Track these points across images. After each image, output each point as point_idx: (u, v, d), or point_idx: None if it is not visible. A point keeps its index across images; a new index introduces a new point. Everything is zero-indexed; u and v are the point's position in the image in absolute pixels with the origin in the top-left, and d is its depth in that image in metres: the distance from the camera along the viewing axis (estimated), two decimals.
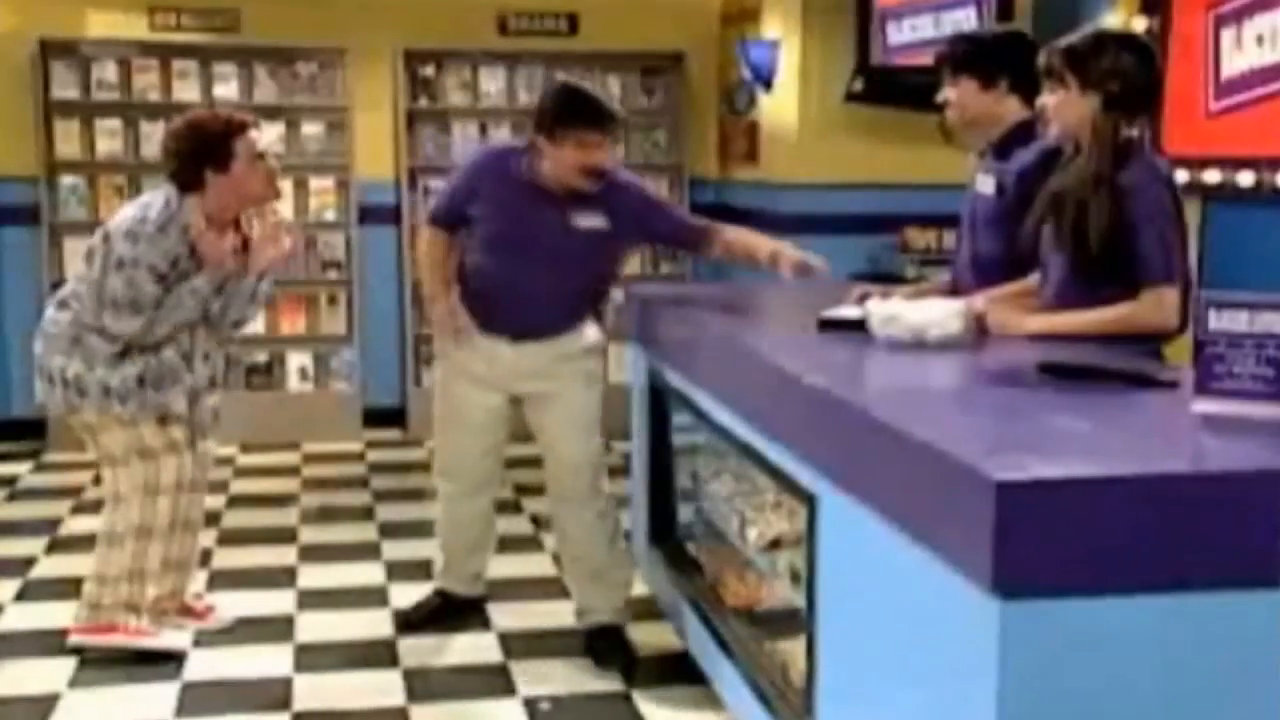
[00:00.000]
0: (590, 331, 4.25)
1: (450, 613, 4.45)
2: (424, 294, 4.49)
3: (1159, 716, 2.08)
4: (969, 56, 3.75)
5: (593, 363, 4.28)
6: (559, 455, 4.28)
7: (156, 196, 4.09)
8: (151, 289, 3.95)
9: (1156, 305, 3.18)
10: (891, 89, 6.15)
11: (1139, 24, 5.61)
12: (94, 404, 4.01)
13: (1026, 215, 3.62)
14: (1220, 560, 2.06)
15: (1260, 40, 4.77)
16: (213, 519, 5.58)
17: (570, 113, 3.91)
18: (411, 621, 4.40)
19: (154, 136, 6.97)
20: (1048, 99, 3.30)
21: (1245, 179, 4.58)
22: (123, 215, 4.07)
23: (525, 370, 4.16)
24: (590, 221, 4.02)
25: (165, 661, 4.05)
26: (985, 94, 3.71)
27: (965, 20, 5.87)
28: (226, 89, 7.06)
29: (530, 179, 4.04)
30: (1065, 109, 3.25)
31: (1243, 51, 4.67)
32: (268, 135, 4.23)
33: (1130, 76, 3.20)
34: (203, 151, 4.00)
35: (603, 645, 4.18)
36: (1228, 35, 4.66)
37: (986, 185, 3.79)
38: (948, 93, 3.79)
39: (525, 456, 6.76)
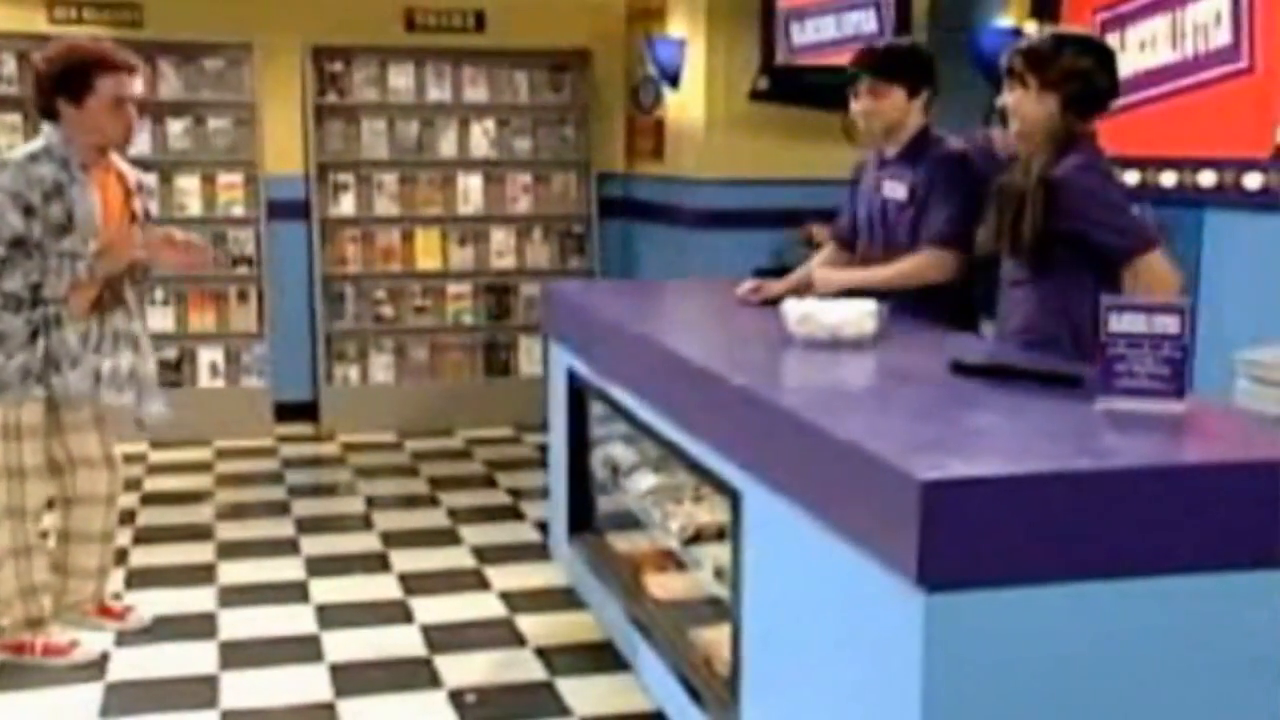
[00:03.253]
0: None
1: None
2: None
3: (1075, 699, 2.19)
4: (903, 67, 3.92)
5: None
6: None
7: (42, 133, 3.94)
8: (14, 220, 3.75)
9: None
10: (795, 88, 6.27)
11: (1030, 27, 5.78)
12: (13, 395, 3.85)
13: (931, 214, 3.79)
14: (1127, 551, 2.18)
15: (1143, 45, 4.96)
16: (127, 517, 5.52)
17: None
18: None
19: None
20: (1008, 98, 3.35)
21: (1131, 178, 4.75)
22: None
23: None
24: None
25: (91, 661, 4.02)
26: (910, 103, 3.90)
27: (865, 21, 5.99)
28: (131, 84, 6.92)
29: None
30: (1025, 108, 3.30)
31: (1126, 55, 4.84)
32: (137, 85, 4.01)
33: (1088, 77, 3.26)
34: (61, 80, 3.83)
35: None
36: (1112, 40, 4.82)
37: (897, 191, 3.92)
38: (871, 102, 3.91)
39: (439, 450, 6.83)
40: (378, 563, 5.03)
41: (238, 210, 7.08)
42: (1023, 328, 3.34)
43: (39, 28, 6.86)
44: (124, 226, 4.05)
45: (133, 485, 6.02)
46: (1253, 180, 4.51)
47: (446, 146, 7.41)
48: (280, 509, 5.76)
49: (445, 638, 4.28)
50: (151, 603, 4.46)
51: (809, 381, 3.08)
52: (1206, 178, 4.67)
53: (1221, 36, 4.77)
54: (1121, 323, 2.57)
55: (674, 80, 6.78)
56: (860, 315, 3.28)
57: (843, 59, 5.98)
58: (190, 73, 7.05)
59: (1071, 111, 3.25)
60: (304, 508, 5.77)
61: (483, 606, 4.56)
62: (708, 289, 4.76)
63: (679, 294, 5.02)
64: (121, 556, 4.99)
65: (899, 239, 3.94)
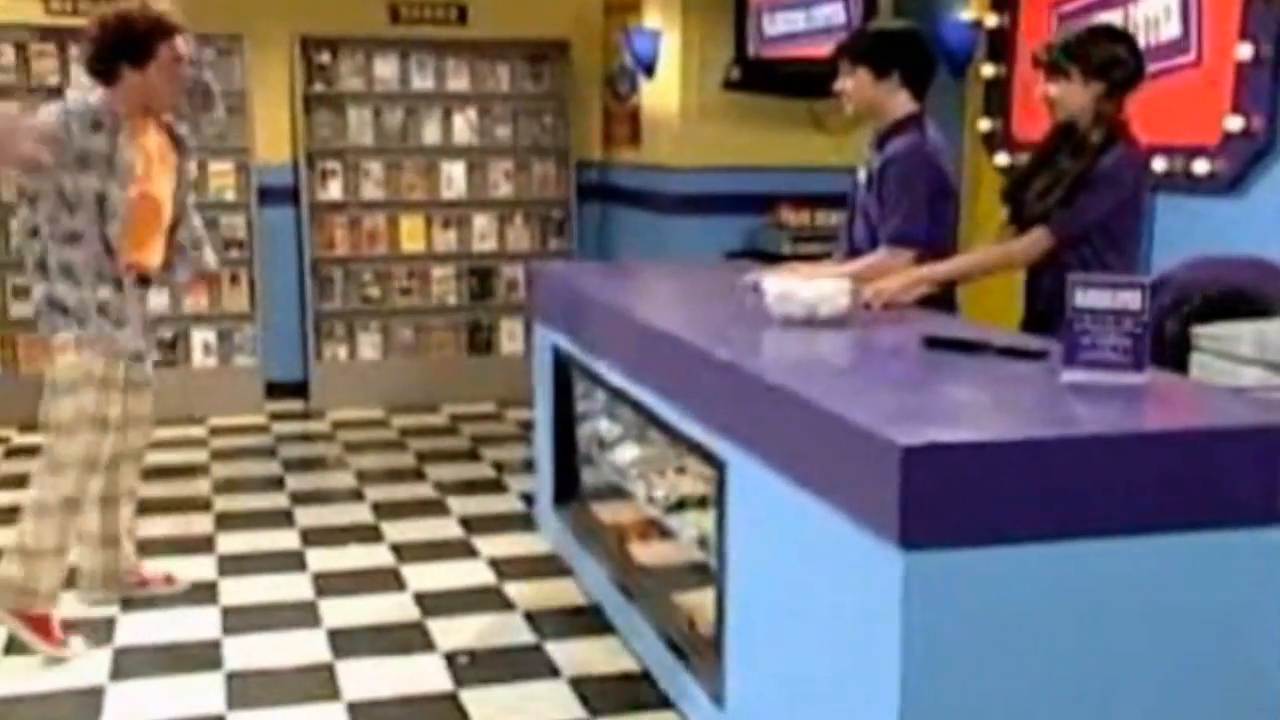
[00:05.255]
0: None
1: None
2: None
3: (1046, 652, 2.24)
4: (866, 48, 3.86)
5: None
6: None
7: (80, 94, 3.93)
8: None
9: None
10: (767, 78, 6.29)
11: (991, 20, 5.84)
12: (91, 331, 3.84)
13: (886, 206, 3.80)
14: (1094, 512, 2.23)
15: None
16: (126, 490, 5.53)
17: None
18: None
19: None
20: (1050, 89, 3.54)
21: None
22: None
23: None
24: None
25: (98, 627, 4.03)
26: (878, 85, 3.81)
27: (834, 15, 6.02)
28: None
29: None
30: (1070, 97, 3.50)
31: None
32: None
33: (1123, 64, 3.48)
34: (124, 45, 3.84)
35: None
36: None
37: (862, 175, 3.93)
38: (844, 82, 3.89)
39: (425, 425, 6.85)
40: (370, 533, 5.05)
41: (230, 196, 7.05)
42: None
43: (35, 19, 6.81)
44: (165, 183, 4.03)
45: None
46: (1201, 166, 4.58)
47: (430, 134, 7.40)
48: (274, 483, 5.76)
49: (437, 603, 4.30)
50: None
51: (791, 356, 3.11)
52: (1158, 164, 4.73)
53: (1171, 30, 4.82)
54: (1087, 298, 2.61)
55: (649, 70, 6.79)
56: (836, 292, 3.31)
57: (812, 51, 6.07)
58: None
59: (1114, 96, 3.46)
60: (296, 481, 5.78)
61: (472, 574, 4.59)
62: (687, 270, 4.79)
63: (661, 275, 5.04)
64: None
65: (857, 222, 3.96)
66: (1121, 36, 3.59)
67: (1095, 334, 2.61)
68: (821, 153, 6.26)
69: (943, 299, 3.76)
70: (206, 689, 3.64)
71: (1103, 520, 2.24)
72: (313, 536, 4.98)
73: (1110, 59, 3.46)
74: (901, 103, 3.82)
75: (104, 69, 3.88)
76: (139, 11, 3.92)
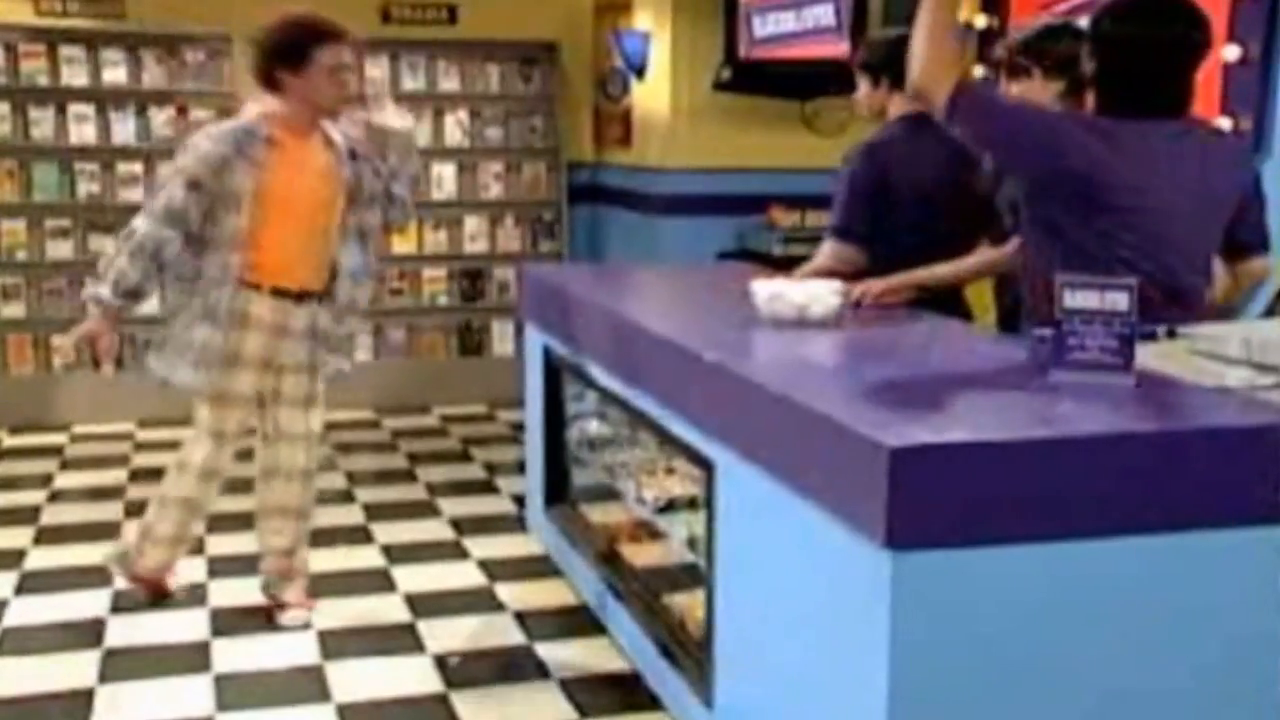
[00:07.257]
0: None
1: None
2: None
3: (1033, 653, 2.24)
4: (862, 58, 3.95)
5: None
6: None
7: None
8: (177, 193, 3.83)
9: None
10: (757, 79, 6.30)
11: (980, 21, 5.84)
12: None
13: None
14: (1081, 512, 2.23)
15: None
16: (117, 492, 5.53)
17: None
18: None
19: (43, 121, 6.80)
20: (1012, 88, 3.49)
21: None
22: None
23: None
24: None
25: (87, 629, 4.03)
26: (874, 92, 3.90)
27: (824, 15, 6.02)
28: (115, 74, 6.89)
29: None
30: (1031, 96, 3.43)
31: None
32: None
33: (1080, 62, 3.38)
34: (280, 51, 3.85)
35: None
36: None
37: None
38: (857, 91, 3.98)
39: (416, 427, 6.83)
40: (360, 535, 5.04)
41: None
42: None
43: (26, 19, 6.79)
44: (320, 202, 4.01)
45: (121, 462, 6.02)
46: None
47: (421, 135, 7.37)
48: None
49: (427, 604, 4.29)
50: None
51: (780, 357, 3.11)
52: None
53: None
54: (1075, 299, 2.61)
55: (640, 71, 6.79)
56: (826, 293, 3.32)
57: (802, 52, 6.07)
58: (172, 64, 7.00)
59: (1074, 93, 3.41)
60: None
61: (462, 575, 4.59)
62: (677, 272, 4.79)
63: (650, 276, 5.05)
64: (114, 529, 4.98)
65: None
66: (1080, 33, 3.48)
67: (1083, 335, 2.61)
68: (812, 154, 6.26)
69: (948, 301, 3.76)
70: (195, 691, 3.64)
71: (1091, 521, 2.24)
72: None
73: (1071, 56, 3.38)
74: (899, 106, 3.86)
75: (264, 75, 3.89)
76: (299, 16, 3.92)
